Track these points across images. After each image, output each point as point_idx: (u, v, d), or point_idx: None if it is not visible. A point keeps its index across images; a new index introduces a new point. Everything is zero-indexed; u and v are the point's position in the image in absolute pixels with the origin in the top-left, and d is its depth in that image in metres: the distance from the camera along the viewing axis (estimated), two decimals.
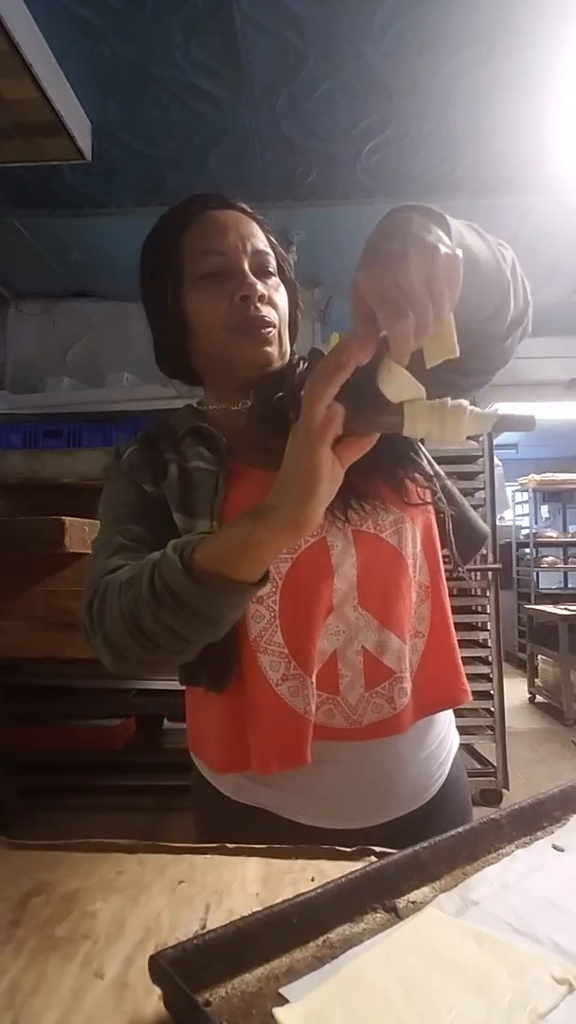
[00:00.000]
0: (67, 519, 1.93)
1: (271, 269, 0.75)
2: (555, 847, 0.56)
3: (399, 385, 0.50)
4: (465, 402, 0.50)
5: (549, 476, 5.64)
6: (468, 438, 0.52)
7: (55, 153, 1.94)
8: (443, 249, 0.46)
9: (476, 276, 0.54)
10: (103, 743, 2.32)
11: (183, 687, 0.76)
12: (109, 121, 1.97)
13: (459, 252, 0.47)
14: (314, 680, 0.68)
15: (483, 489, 2.92)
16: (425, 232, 0.48)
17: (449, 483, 0.78)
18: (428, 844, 0.52)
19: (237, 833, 0.65)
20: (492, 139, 2.08)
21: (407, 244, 0.46)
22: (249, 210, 0.77)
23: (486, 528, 0.81)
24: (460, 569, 0.77)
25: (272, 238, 0.78)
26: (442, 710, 0.75)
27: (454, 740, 0.80)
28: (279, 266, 0.77)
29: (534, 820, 0.59)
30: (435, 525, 0.75)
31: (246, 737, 0.69)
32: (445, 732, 0.77)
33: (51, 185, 2.27)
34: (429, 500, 0.74)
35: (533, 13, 1.61)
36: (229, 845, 0.60)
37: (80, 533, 1.96)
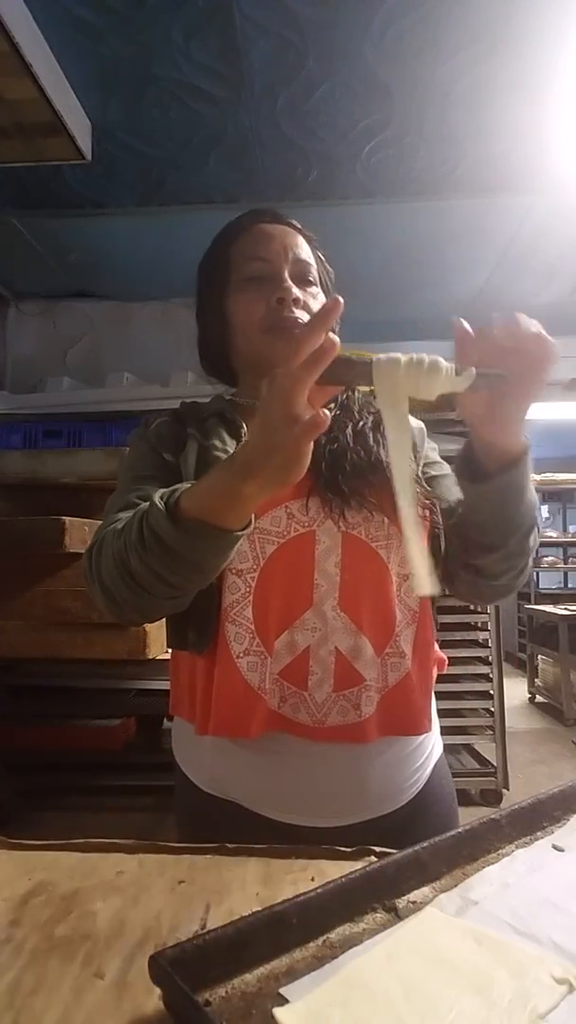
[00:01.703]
0: (67, 519, 1.93)
1: (311, 278, 0.80)
2: (555, 847, 0.56)
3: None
4: (441, 359, 0.51)
5: (549, 476, 5.63)
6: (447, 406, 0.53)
7: (55, 153, 1.94)
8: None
9: (512, 505, 0.65)
10: (103, 743, 2.32)
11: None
12: (109, 121, 1.97)
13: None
14: (272, 657, 0.69)
15: None
16: None
17: None
18: (428, 844, 0.52)
19: (209, 826, 0.67)
20: (492, 139, 2.08)
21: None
22: (299, 226, 0.83)
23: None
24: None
25: (320, 254, 0.83)
26: (404, 735, 0.75)
27: (435, 746, 0.80)
28: (321, 280, 0.82)
29: (534, 820, 0.59)
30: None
31: (211, 701, 0.71)
32: (422, 739, 0.77)
33: (51, 185, 2.27)
34: (427, 516, 0.75)
35: (533, 13, 1.61)
36: (229, 845, 0.60)
37: (80, 533, 1.96)
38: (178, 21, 1.62)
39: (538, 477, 5.65)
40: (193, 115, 1.95)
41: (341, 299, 0.49)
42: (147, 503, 0.60)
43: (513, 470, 0.62)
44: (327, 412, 0.49)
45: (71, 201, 2.38)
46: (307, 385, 0.49)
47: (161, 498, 0.58)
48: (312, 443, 0.51)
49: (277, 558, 0.70)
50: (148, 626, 1.95)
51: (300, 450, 0.50)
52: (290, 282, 0.77)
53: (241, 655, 0.69)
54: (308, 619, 0.70)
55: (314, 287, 0.80)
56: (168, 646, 0.77)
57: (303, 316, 0.76)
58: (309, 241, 0.82)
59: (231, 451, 0.74)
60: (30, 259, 2.78)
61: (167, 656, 0.82)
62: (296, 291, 0.76)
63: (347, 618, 0.70)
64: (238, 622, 0.70)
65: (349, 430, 0.76)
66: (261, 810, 0.71)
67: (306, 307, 0.77)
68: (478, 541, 0.70)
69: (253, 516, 0.58)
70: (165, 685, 2.26)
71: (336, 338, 0.49)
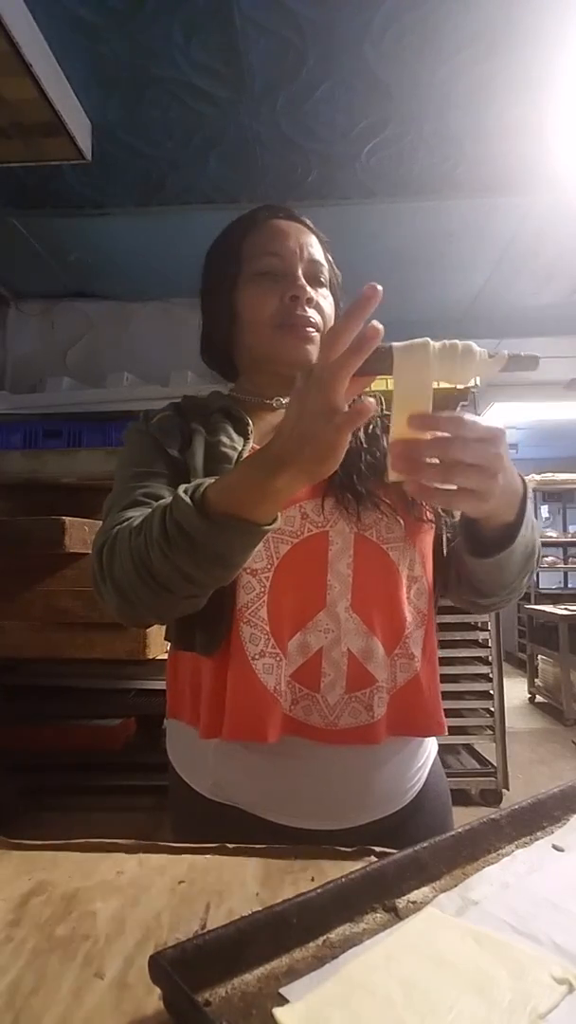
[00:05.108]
0: (67, 519, 1.93)
1: (323, 280, 0.80)
2: (555, 847, 0.56)
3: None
4: (475, 344, 0.51)
5: (549, 476, 5.63)
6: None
7: (55, 153, 1.94)
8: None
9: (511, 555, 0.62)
10: (103, 743, 2.31)
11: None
12: (109, 121, 1.96)
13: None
14: (286, 659, 0.69)
15: None
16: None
17: None
18: (428, 844, 0.52)
19: (211, 832, 0.66)
20: (492, 139, 2.08)
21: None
22: (312, 226, 0.83)
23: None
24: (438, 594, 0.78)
25: (330, 256, 0.83)
26: (416, 736, 0.75)
27: (432, 746, 0.80)
28: (331, 282, 0.82)
29: (534, 820, 0.59)
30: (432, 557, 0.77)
31: (224, 704, 0.69)
32: (425, 739, 0.77)
33: (51, 185, 2.27)
34: (432, 518, 0.76)
35: (533, 13, 1.61)
36: (229, 845, 0.60)
37: (80, 533, 1.96)
38: (178, 21, 1.62)
39: (538, 477, 5.66)
40: (193, 115, 1.95)
41: (379, 287, 0.48)
42: (167, 499, 0.59)
43: (510, 541, 0.61)
44: (372, 400, 0.49)
45: (71, 201, 2.38)
46: (347, 374, 0.48)
47: (186, 492, 0.57)
48: (349, 435, 0.50)
49: (291, 558, 0.69)
50: None
51: (338, 441, 0.49)
52: (304, 281, 0.76)
53: (257, 656, 0.68)
54: (321, 620, 0.70)
55: (324, 288, 0.80)
56: (173, 647, 0.76)
57: (315, 316, 0.76)
58: (322, 242, 0.82)
59: (239, 448, 0.73)
60: (30, 259, 2.78)
61: (167, 656, 0.81)
62: (309, 290, 0.76)
63: (359, 620, 0.70)
64: (253, 623, 0.69)
65: (360, 432, 0.76)
66: (265, 815, 0.70)
67: (318, 307, 0.77)
68: (475, 588, 0.72)
69: (272, 548, 0.58)
70: (165, 685, 2.27)
71: (380, 325, 0.48)
